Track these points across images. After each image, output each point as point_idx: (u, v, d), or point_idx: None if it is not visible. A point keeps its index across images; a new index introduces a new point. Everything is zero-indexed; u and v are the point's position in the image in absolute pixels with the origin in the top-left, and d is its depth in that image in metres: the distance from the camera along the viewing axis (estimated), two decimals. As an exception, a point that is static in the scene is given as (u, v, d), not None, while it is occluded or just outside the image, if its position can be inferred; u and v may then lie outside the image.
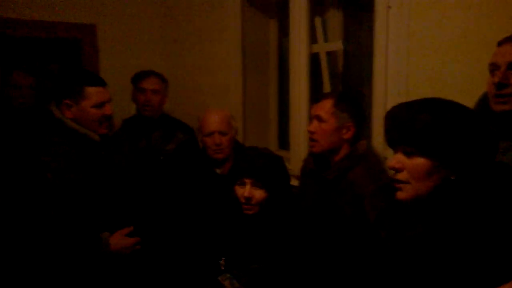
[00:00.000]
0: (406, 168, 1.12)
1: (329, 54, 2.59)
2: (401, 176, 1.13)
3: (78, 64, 3.08)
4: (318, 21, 2.62)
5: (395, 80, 1.97)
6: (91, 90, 1.81)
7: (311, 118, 1.83)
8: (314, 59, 2.56)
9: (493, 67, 1.36)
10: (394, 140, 1.16)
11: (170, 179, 2.29)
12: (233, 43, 2.86)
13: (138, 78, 2.64)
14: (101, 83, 1.87)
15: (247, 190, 1.65)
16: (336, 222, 1.69)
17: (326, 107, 1.76)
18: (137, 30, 3.26)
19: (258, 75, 2.99)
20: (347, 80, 2.30)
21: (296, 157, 2.57)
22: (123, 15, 3.17)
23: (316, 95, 2.56)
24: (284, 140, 3.02)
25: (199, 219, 2.11)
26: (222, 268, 1.67)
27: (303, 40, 2.47)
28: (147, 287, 1.97)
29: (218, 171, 2.22)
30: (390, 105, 1.52)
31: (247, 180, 1.66)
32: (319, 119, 1.77)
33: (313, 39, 2.55)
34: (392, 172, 1.16)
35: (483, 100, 1.43)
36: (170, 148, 2.55)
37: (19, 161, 1.89)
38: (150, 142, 2.58)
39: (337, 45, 2.53)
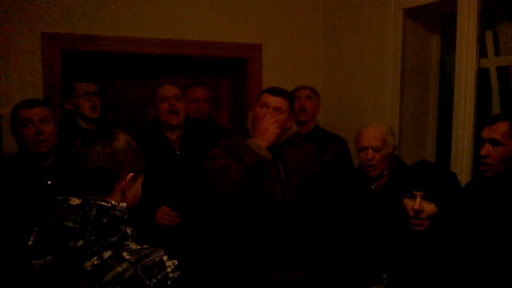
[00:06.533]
0: None
1: (500, 69, 2.41)
2: None
3: (245, 79, 3.40)
4: (488, 34, 2.46)
5: None
6: None
7: (483, 141, 1.76)
8: (481, 75, 2.40)
9: None
10: None
11: (324, 188, 2.37)
12: (392, 59, 2.83)
13: (293, 91, 2.86)
14: None
15: (417, 203, 1.60)
16: None
17: (502, 130, 1.69)
18: (298, 48, 3.43)
19: (417, 91, 2.90)
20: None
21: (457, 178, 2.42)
22: (286, 35, 3.38)
23: (482, 114, 2.40)
24: (442, 159, 2.87)
25: (350, 231, 2.15)
26: (385, 282, 1.65)
27: (471, 55, 2.33)
28: None
29: (372, 186, 2.23)
30: None
31: (417, 193, 1.62)
32: (494, 142, 1.71)
33: (481, 53, 2.40)
34: None
35: None
36: (324, 159, 2.66)
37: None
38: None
39: (510, 59, 2.34)
